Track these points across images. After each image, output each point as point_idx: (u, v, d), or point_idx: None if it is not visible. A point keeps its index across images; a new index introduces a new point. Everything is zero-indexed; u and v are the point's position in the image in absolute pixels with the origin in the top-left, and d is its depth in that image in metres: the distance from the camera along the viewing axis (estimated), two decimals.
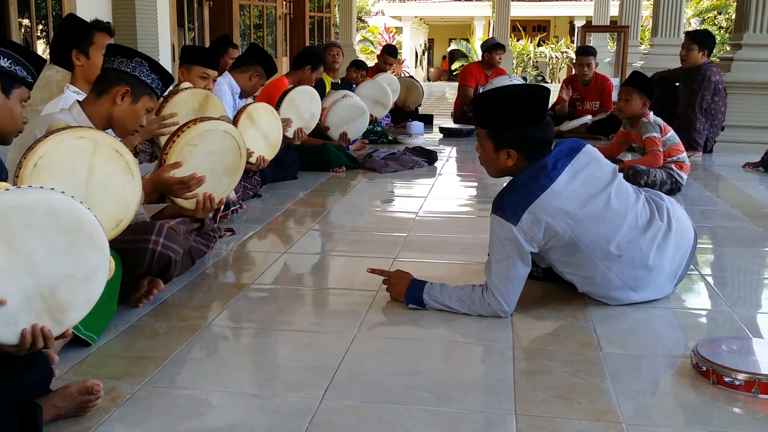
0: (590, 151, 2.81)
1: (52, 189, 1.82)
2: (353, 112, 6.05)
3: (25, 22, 6.33)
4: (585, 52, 8.05)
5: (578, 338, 2.55)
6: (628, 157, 5.49)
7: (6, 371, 1.83)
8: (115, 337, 2.53)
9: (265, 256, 3.59)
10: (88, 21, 3.67)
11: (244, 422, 1.97)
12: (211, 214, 3.52)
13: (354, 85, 7.60)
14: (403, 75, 10.78)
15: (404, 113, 8.71)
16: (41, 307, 1.79)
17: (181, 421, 1.99)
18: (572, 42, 23.69)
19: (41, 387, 1.94)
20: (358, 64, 7.99)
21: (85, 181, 2.42)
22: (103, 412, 2.00)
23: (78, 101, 2.82)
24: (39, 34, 6.59)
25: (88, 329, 2.38)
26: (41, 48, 6.64)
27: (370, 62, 14.08)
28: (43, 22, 6.59)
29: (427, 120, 8.95)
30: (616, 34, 10.69)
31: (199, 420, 1.99)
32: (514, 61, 22.30)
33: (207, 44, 9.16)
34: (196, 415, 2.01)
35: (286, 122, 5.14)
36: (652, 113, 4.96)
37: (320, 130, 5.85)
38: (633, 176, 4.77)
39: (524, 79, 15.46)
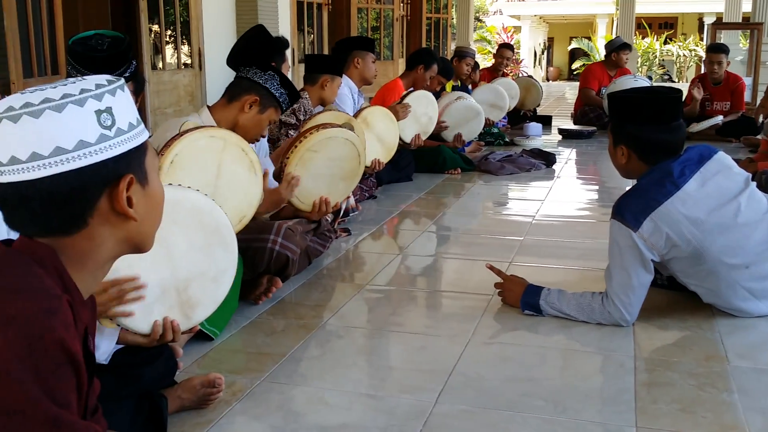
0: (722, 158, 2.67)
1: (197, 190, 1.91)
2: (467, 114, 6.00)
3: (155, 27, 6.64)
4: (716, 49, 7.68)
5: (704, 350, 2.44)
6: None
7: (133, 363, 1.92)
8: (236, 333, 2.62)
9: (379, 257, 3.62)
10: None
11: (359, 422, 1.99)
12: (330, 217, 3.59)
13: (469, 86, 7.55)
14: (521, 75, 10.61)
15: (522, 114, 8.57)
16: (174, 300, 1.87)
17: (298, 417, 2.03)
18: (702, 39, 22.69)
19: (167, 378, 2.03)
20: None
21: (214, 178, 2.54)
22: (225, 405, 2.07)
23: (207, 106, 2.94)
24: (168, 39, 6.90)
25: (211, 324, 2.47)
26: (169, 53, 6.95)
27: (488, 62, 13.95)
28: (171, 27, 6.89)
29: (546, 121, 8.77)
30: (748, 31, 10.16)
31: (315, 417, 2.02)
32: (639, 60, 21.56)
33: (326, 48, 9.36)
34: (312, 413, 2.05)
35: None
36: None
37: (436, 131, 5.83)
38: (766, 182, 4.51)
39: (649, 78, 14.94)
